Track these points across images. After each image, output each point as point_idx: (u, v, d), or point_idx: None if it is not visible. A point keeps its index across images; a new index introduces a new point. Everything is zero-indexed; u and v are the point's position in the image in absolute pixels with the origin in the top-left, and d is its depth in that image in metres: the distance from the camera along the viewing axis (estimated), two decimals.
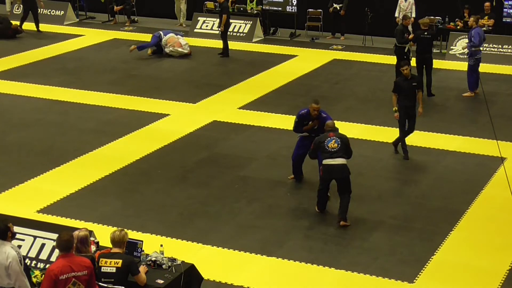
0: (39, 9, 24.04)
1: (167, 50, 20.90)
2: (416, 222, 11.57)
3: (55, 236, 9.65)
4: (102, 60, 20.81)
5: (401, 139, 13.96)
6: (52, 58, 20.99)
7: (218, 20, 21.96)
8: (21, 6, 24.06)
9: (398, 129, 15.35)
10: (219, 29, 21.05)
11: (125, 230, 8.58)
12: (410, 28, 19.76)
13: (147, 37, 22.71)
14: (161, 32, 21.27)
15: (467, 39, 17.80)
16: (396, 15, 21.11)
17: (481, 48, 17.45)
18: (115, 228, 8.82)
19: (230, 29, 21.93)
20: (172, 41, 20.97)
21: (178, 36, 21.26)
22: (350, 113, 16.16)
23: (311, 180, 12.76)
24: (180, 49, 20.87)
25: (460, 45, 20.20)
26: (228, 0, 22.12)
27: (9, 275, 8.10)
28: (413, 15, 21.01)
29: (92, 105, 16.97)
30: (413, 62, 17.81)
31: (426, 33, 17.22)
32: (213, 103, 17.11)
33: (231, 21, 21.66)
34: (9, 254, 8.09)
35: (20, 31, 23.41)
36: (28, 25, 24.12)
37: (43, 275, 8.81)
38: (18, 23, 23.77)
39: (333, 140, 11.33)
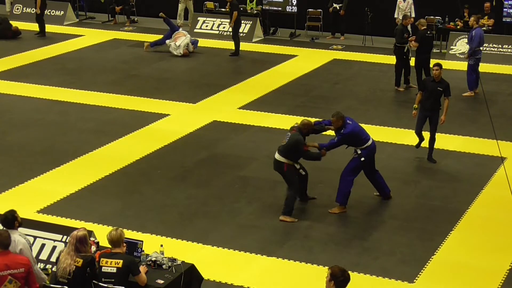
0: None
1: (175, 52, 20.98)
2: (416, 222, 11.57)
3: (55, 236, 9.71)
4: (102, 60, 20.81)
5: (418, 137, 13.85)
6: (52, 58, 20.99)
7: (219, 20, 21.99)
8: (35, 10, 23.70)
9: (397, 129, 15.39)
10: (230, 24, 21.05)
11: (120, 228, 8.55)
12: (409, 28, 19.75)
13: (147, 37, 22.75)
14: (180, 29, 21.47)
15: (467, 39, 17.83)
16: (396, 15, 21.13)
17: (481, 48, 17.45)
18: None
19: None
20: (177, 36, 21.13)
21: (183, 32, 21.26)
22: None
23: (310, 181, 12.74)
24: (172, 49, 20.98)
25: (460, 45, 20.22)
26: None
27: None
28: (413, 15, 21.03)
29: (92, 105, 16.97)
30: (412, 62, 17.87)
31: (429, 32, 17.24)
32: (213, 103, 17.11)
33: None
34: (19, 242, 8.25)
35: (19, 32, 23.38)
36: (28, 26, 24.14)
37: None
38: (17, 23, 23.75)
39: (286, 137, 11.46)
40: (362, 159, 11.71)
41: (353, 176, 11.80)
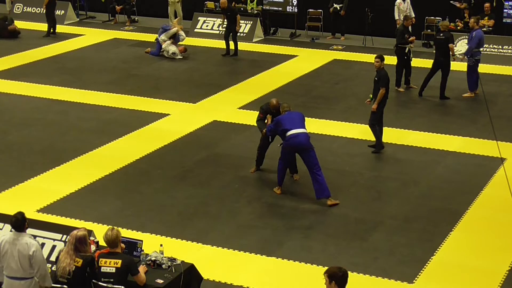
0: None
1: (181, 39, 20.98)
2: (416, 222, 11.57)
3: (54, 235, 9.71)
4: (102, 60, 20.82)
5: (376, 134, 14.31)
6: (52, 57, 21.00)
7: (219, 20, 21.94)
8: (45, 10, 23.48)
9: (397, 129, 15.40)
10: (236, 29, 20.97)
11: (115, 227, 8.52)
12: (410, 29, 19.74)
13: (147, 37, 22.78)
14: (157, 37, 21.23)
15: (467, 40, 17.85)
16: (396, 17, 21.07)
17: (480, 50, 17.44)
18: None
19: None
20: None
21: (166, 42, 21.15)
22: (350, 113, 16.17)
23: (310, 181, 12.77)
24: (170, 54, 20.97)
25: (461, 45, 20.22)
26: (235, 2, 22.01)
27: (32, 264, 8.18)
28: (412, 15, 21.03)
29: (92, 105, 16.97)
30: (413, 62, 17.90)
31: (441, 34, 17.21)
32: (213, 103, 17.11)
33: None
34: (31, 244, 8.26)
35: (18, 31, 23.39)
36: (29, 25, 24.14)
37: None
38: (18, 23, 23.76)
39: None
40: (279, 145, 12.53)
41: (281, 161, 12.40)
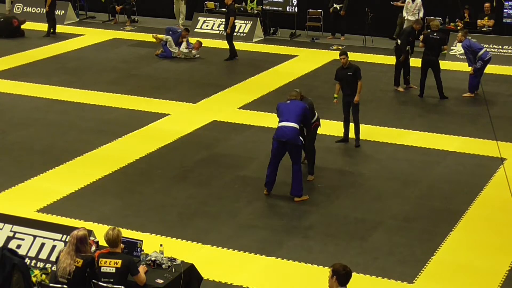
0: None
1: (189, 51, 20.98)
2: (416, 222, 11.57)
3: (54, 235, 9.72)
4: (102, 60, 20.82)
5: (344, 128, 14.54)
6: (52, 57, 21.00)
7: (219, 20, 21.87)
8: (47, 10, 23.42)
9: (397, 129, 15.40)
10: (226, 31, 20.83)
11: (116, 227, 8.51)
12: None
13: (147, 37, 22.75)
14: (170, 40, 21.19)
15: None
16: (404, 14, 21.23)
17: (483, 50, 17.31)
18: None
19: None
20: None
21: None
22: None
23: (310, 181, 12.77)
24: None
25: (460, 46, 20.22)
26: (235, 2, 21.96)
27: None
28: (421, 15, 21.10)
29: (92, 105, 16.97)
30: (413, 62, 17.89)
31: (435, 34, 17.21)
32: (213, 103, 17.11)
33: None
34: None
35: (23, 21, 23.47)
36: (29, 25, 24.14)
37: (42, 274, 8.86)
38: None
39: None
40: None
41: (270, 158, 12.29)
